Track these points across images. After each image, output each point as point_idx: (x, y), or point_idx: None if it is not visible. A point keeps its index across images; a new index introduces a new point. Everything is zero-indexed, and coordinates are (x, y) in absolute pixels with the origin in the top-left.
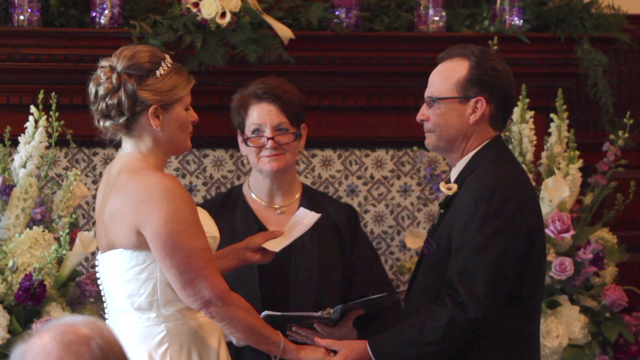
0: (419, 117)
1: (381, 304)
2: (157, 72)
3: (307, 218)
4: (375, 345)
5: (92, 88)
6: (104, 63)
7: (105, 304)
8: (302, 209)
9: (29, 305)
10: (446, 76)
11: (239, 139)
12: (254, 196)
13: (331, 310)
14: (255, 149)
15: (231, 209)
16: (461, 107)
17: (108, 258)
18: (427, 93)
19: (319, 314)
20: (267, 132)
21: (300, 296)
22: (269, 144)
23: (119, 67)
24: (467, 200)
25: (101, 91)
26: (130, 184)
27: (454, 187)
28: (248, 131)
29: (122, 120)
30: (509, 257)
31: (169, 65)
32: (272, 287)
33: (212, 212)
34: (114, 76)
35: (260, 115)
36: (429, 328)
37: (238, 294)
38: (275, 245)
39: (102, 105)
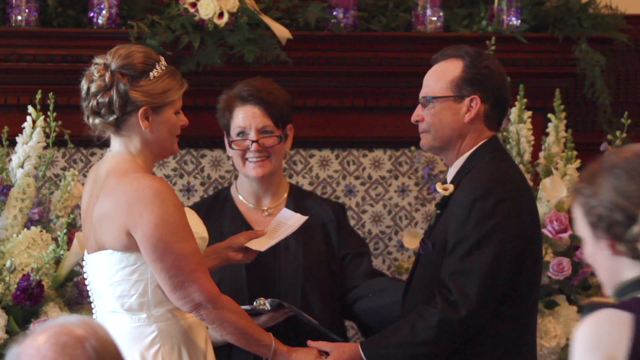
0: (413, 118)
1: (308, 324)
2: (151, 73)
3: (292, 219)
4: (367, 347)
5: (84, 84)
6: (98, 60)
7: (93, 305)
8: (285, 209)
9: (26, 306)
10: (440, 76)
11: (226, 140)
12: (241, 198)
13: (266, 301)
14: (240, 151)
15: (219, 211)
16: (456, 105)
17: (97, 259)
18: (422, 93)
19: (253, 305)
20: (252, 135)
21: (287, 296)
22: (253, 146)
23: (113, 66)
24: (463, 200)
25: (93, 88)
26: (120, 186)
27: (450, 187)
28: (233, 133)
29: (111, 118)
30: (504, 256)
31: (163, 67)
32: (259, 287)
33: (200, 214)
34: (107, 74)
35: (245, 118)
36: (421, 328)
37: (228, 296)
38: (259, 245)
39: (93, 102)
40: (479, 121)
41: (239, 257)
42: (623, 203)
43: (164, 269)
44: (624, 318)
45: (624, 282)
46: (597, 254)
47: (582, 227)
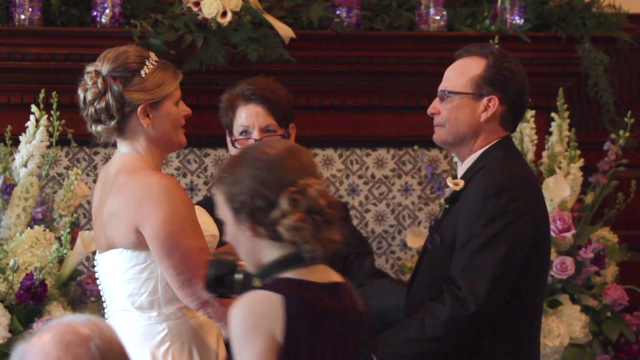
0: (430, 110)
1: None
2: (142, 71)
3: None
4: (375, 344)
5: (80, 94)
6: (89, 68)
7: (105, 304)
8: None
9: (30, 305)
10: (462, 72)
11: (228, 139)
12: None
13: None
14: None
15: None
16: (473, 103)
17: (107, 258)
18: (441, 87)
19: None
20: (255, 134)
21: None
22: None
23: (104, 71)
24: (474, 197)
25: (89, 96)
26: (128, 184)
27: (461, 182)
28: (236, 132)
29: (113, 123)
30: (514, 255)
31: (154, 63)
32: None
33: None
34: (100, 80)
35: (248, 117)
36: (429, 325)
37: None
38: None
39: (91, 110)
40: (495, 121)
41: None
42: (263, 191)
43: (172, 266)
44: (275, 299)
45: (265, 265)
46: (238, 235)
47: (224, 212)
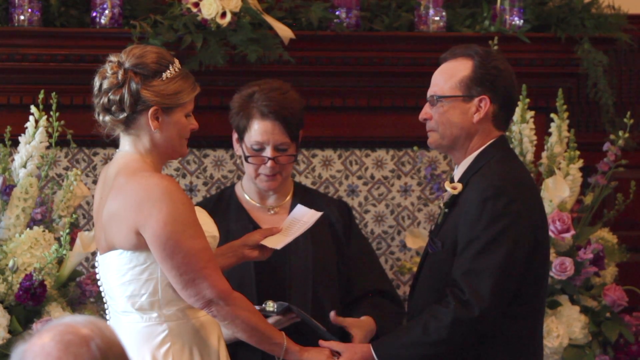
0: (421, 116)
1: (316, 331)
2: (164, 74)
3: (306, 216)
4: (379, 347)
5: (96, 81)
6: (112, 58)
7: (106, 305)
8: (299, 206)
9: (29, 305)
10: (449, 75)
11: (234, 136)
12: (247, 197)
13: (274, 305)
14: (255, 165)
15: (224, 209)
16: (464, 105)
17: (108, 259)
18: (430, 92)
19: (261, 307)
20: (268, 151)
21: (297, 295)
22: (269, 163)
23: (127, 64)
24: (473, 199)
25: (105, 85)
26: (128, 185)
27: (459, 186)
28: (248, 144)
29: (121, 116)
30: (516, 256)
31: (177, 69)
32: (268, 286)
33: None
34: (120, 72)
35: (264, 133)
36: (433, 328)
37: (240, 293)
38: (274, 243)
39: (104, 99)
40: (488, 121)
41: (255, 255)
42: None
43: (174, 267)
44: None
45: None
46: None
47: None
